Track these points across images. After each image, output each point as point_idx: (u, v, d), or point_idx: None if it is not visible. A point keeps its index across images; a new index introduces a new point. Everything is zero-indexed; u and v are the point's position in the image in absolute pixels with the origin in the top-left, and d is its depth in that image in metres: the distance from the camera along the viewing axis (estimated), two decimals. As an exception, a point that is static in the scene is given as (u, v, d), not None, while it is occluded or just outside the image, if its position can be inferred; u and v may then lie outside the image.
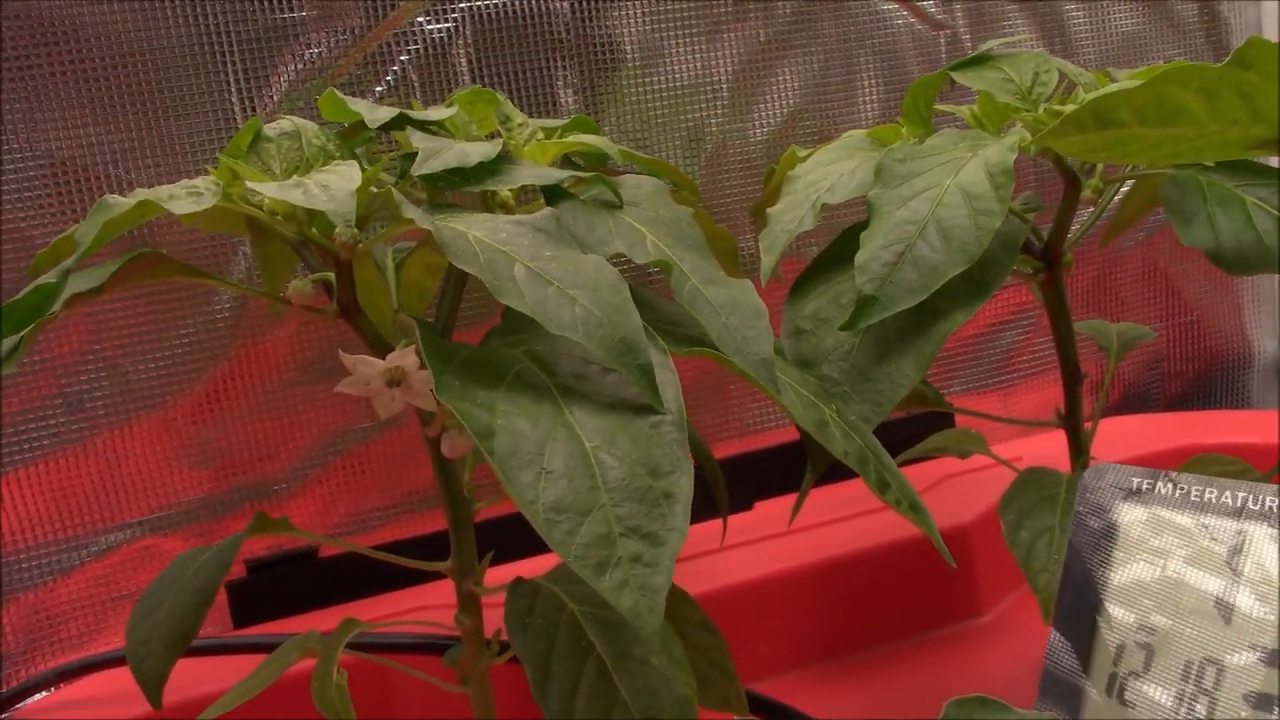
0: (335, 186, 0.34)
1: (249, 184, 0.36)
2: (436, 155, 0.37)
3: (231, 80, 0.57)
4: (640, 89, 0.65)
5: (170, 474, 0.60)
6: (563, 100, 0.63)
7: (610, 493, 0.32)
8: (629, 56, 0.64)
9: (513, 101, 0.62)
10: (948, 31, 0.71)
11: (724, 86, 0.66)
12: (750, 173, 0.68)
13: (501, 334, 0.38)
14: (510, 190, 0.42)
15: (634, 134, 0.65)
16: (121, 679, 0.50)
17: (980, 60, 0.46)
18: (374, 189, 0.36)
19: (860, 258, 0.40)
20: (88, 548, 0.60)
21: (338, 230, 0.36)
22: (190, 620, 0.40)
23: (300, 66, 0.58)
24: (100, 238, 0.33)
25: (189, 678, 0.54)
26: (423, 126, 0.40)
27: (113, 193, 0.56)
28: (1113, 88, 0.36)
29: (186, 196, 0.35)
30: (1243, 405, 0.85)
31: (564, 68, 0.63)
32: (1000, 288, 0.41)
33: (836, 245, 0.45)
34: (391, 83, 0.60)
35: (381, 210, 0.39)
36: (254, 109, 0.58)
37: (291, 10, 0.58)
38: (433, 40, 0.61)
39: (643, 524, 0.32)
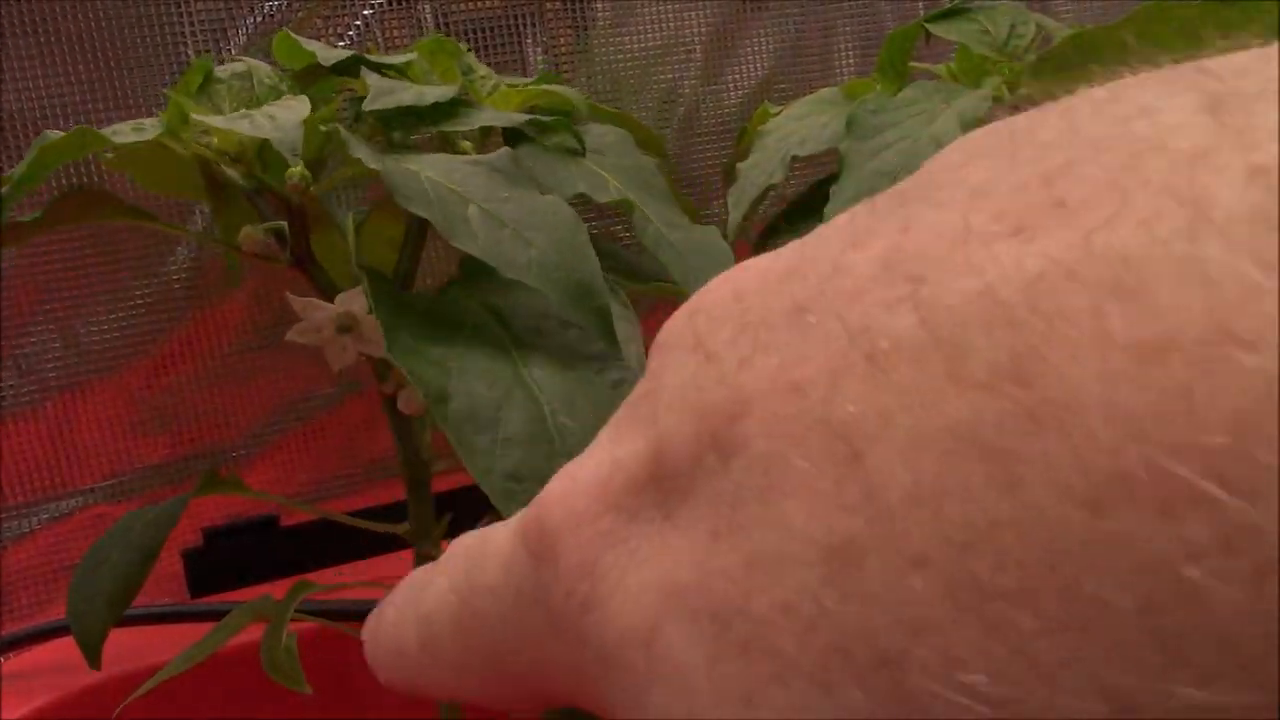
0: (282, 117, 0.33)
1: (195, 116, 0.34)
2: (390, 93, 0.35)
3: (188, 33, 0.56)
4: (612, 50, 0.63)
5: (124, 440, 0.58)
6: (532, 60, 0.62)
7: (569, 459, 0.31)
8: (600, 16, 0.63)
9: (479, 60, 0.60)
10: (926, -2, 0.70)
11: (697, 48, 0.65)
12: (724, 136, 0.67)
13: (460, 284, 0.37)
14: (471, 138, 0.40)
15: (605, 96, 0.63)
16: (72, 648, 0.49)
17: (956, 12, 0.45)
18: (323, 128, 0.34)
19: (830, 209, 0.39)
20: (38, 515, 0.58)
21: (288, 172, 0.35)
22: (133, 579, 0.38)
23: (259, 19, 0.57)
24: (37, 163, 0.32)
25: (142, 648, 0.53)
26: (379, 69, 0.39)
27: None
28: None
29: (130, 131, 0.34)
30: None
31: (534, 27, 0.62)
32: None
33: (806, 196, 0.44)
34: (355, 38, 0.58)
35: (337, 154, 0.37)
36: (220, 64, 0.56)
37: (252, -37, 0.56)
38: (398, -4, 0.59)
39: (601, 493, 0.31)
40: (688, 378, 0.13)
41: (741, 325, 0.13)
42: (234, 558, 0.60)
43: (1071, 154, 0.11)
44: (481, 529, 0.18)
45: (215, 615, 0.52)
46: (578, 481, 0.15)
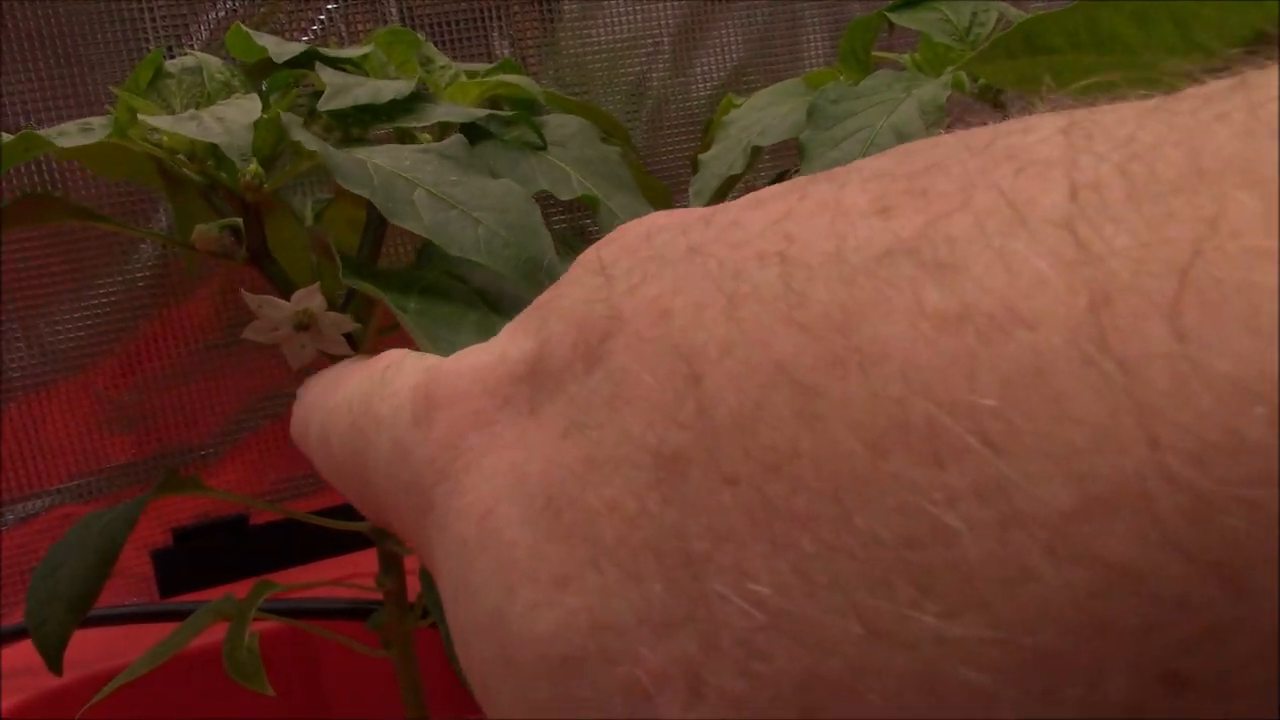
0: (231, 119, 0.32)
1: (143, 118, 0.34)
2: (346, 91, 0.35)
3: (150, 28, 0.55)
4: (579, 42, 0.63)
5: (90, 439, 0.58)
6: (498, 53, 0.61)
7: None
8: (567, 8, 0.62)
9: (446, 53, 0.60)
10: (895, -12, 0.70)
11: (666, 40, 0.65)
12: (693, 129, 0.66)
13: (420, 263, 0.36)
14: (429, 132, 0.40)
15: (573, 88, 0.63)
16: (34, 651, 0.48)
17: (918, 1, 0.44)
18: (276, 127, 0.34)
19: (792, 201, 0.39)
20: (4, 516, 0.58)
21: (240, 171, 0.34)
22: (92, 582, 0.38)
23: (221, 15, 0.56)
24: (-21, 171, 0.31)
25: (109, 649, 0.52)
26: (335, 64, 0.38)
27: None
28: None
29: (77, 132, 0.33)
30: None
31: (500, 19, 0.61)
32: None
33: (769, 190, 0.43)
34: (319, 32, 0.58)
35: (290, 149, 0.37)
36: (173, 58, 0.55)
37: (214, -43, 0.56)
38: (362, -10, 0.58)
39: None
40: (582, 294, 0.14)
41: (642, 258, 0.14)
42: (203, 557, 0.60)
43: (949, 156, 0.12)
44: (409, 354, 0.19)
45: (183, 615, 0.52)
46: (468, 364, 0.16)
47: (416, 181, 0.30)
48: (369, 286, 0.30)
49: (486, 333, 0.30)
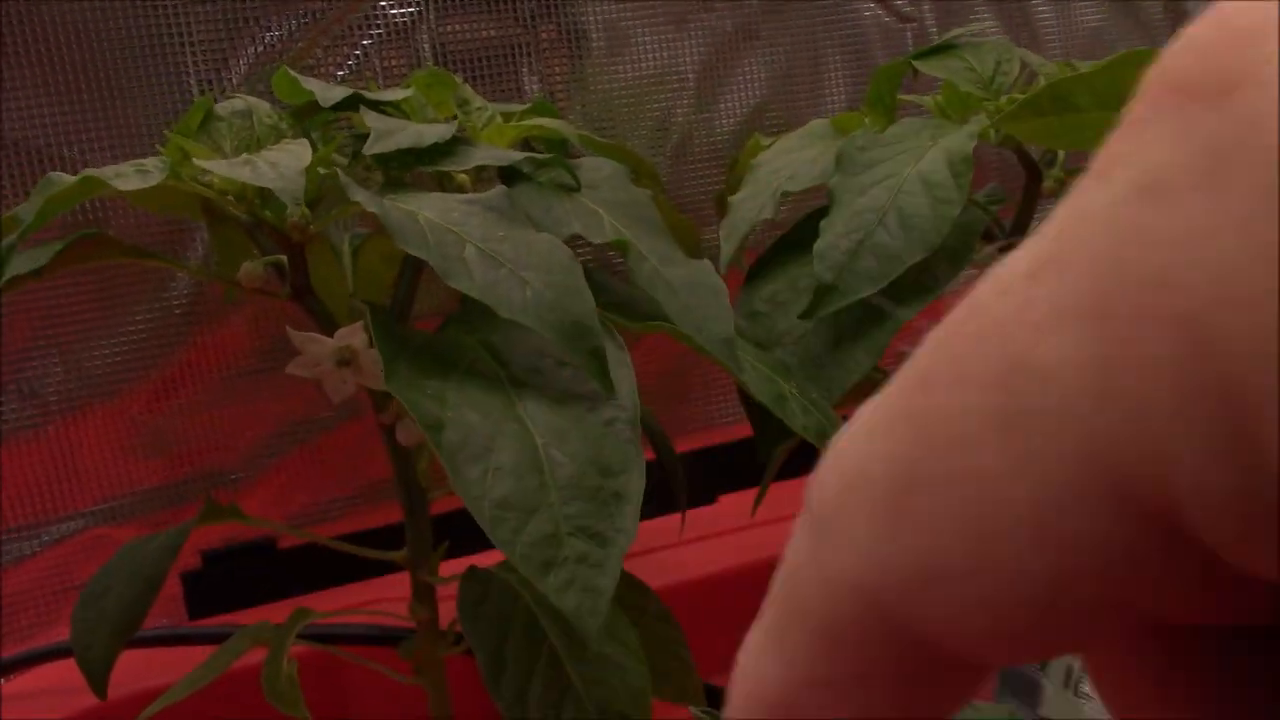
0: (284, 164, 0.33)
1: (197, 161, 0.35)
2: (389, 135, 0.36)
3: (190, 63, 0.57)
4: (606, 78, 0.64)
5: (124, 463, 0.59)
6: (527, 88, 0.63)
7: (559, 491, 0.31)
8: (595, 45, 0.64)
9: (476, 88, 0.61)
10: (915, 24, 0.71)
11: (690, 77, 0.66)
12: (716, 164, 0.67)
13: (458, 321, 0.38)
14: (467, 174, 0.41)
15: (599, 123, 0.64)
16: (72, 670, 0.49)
17: (943, 49, 0.46)
18: (322, 170, 0.35)
19: (820, 245, 0.40)
20: (39, 537, 0.59)
21: (289, 211, 0.35)
22: (137, 608, 0.39)
23: (260, 50, 0.57)
24: (43, 214, 0.32)
25: (141, 670, 0.53)
26: (377, 107, 0.40)
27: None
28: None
29: (133, 174, 0.35)
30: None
31: (529, 55, 0.63)
32: (958, 278, 0.41)
33: (796, 230, 0.44)
34: (354, 67, 0.59)
35: (335, 192, 0.38)
36: (212, 93, 0.57)
37: (252, -7, 0.57)
38: (395, 24, 0.60)
39: (590, 524, 0.31)
40: None
41: None
42: (232, 580, 0.61)
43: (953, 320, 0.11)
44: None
45: (213, 638, 0.53)
46: None
47: (466, 237, 0.32)
48: (403, 396, 0.31)
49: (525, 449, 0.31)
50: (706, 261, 0.38)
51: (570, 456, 0.32)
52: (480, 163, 0.38)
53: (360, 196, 0.32)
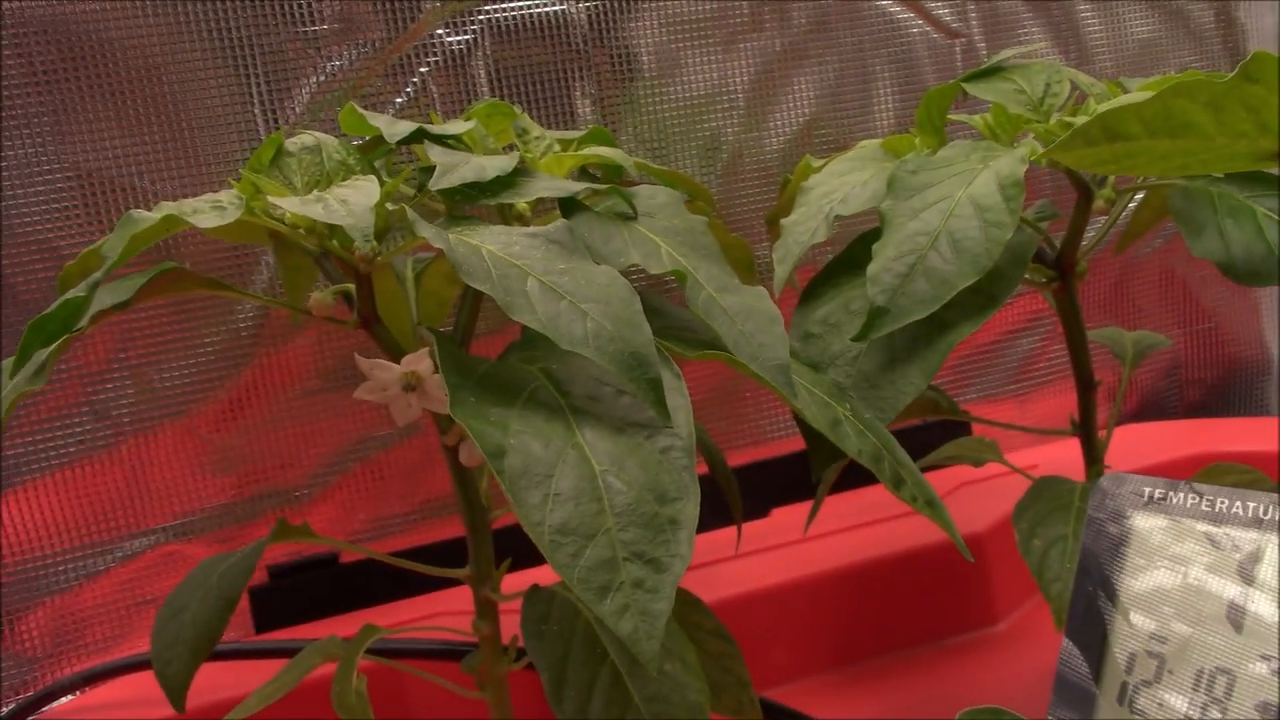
0: (354, 201, 0.35)
1: (270, 198, 0.36)
2: (454, 170, 0.37)
3: (254, 93, 0.58)
4: (657, 99, 0.65)
5: (194, 480, 0.61)
6: (580, 110, 0.64)
7: (617, 517, 0.32)
8: (646, 67, 0.65)
9: (530, 112, 0.62)
10: (963, 39, 0.71)
11: (740, 96, 0.67)
12: (766, 181, 0.68)
13: (520, 349, 0.39)
14: (527, 203, 0.42)
15: (651, 144, 0.65)
16: (146, 682, 0.51)
17: (992, 72, 0.46)
18: (389, 206, 0.37)
19: (873, 269, 0.40)
20: (113, 553, 0.61)
21: (357, 244, 0.37)
22: (214, 625, 0.40)
23: (322, 79, 0.59)
24: (127, 252, 0.34)
25: (211, 682, 0.55)
26: (440, 141, 0.41)
27: (137, 205, 0.58)
28: (1121, 100, 0.36)
29: (210, 211, 0.36)
30: (1260, 413, 0.85)
31: (581, 79, 0.64)
32: (1008, 299, 0.42)
33: (848, 251, 0.45)
34: (411, 94, 0.61)
35: (400, 222, 0.39)
36: (276, 121, 0.59)
37: (313, 23, 0.59)
38: (452, 52, 0.61)
39: (647, 549, 0.32)
40: None
41: None
42: (298, 594, 0.62)
43: None
44: None
45: (281, 652, 0.54)
46: None
47: (528, 270, 0.33)
48: (467, 424, 0.32)
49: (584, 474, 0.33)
50: (761, 288, 0.39)
51: (628, 484, 0.33)
52: (540, 194, 0.39)
53: (427, 232, 0.33)
